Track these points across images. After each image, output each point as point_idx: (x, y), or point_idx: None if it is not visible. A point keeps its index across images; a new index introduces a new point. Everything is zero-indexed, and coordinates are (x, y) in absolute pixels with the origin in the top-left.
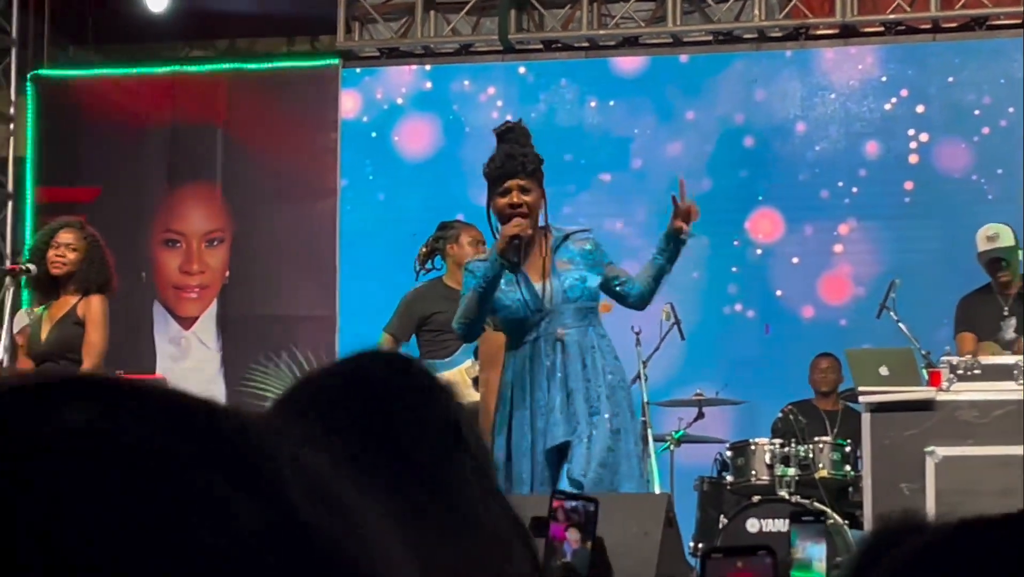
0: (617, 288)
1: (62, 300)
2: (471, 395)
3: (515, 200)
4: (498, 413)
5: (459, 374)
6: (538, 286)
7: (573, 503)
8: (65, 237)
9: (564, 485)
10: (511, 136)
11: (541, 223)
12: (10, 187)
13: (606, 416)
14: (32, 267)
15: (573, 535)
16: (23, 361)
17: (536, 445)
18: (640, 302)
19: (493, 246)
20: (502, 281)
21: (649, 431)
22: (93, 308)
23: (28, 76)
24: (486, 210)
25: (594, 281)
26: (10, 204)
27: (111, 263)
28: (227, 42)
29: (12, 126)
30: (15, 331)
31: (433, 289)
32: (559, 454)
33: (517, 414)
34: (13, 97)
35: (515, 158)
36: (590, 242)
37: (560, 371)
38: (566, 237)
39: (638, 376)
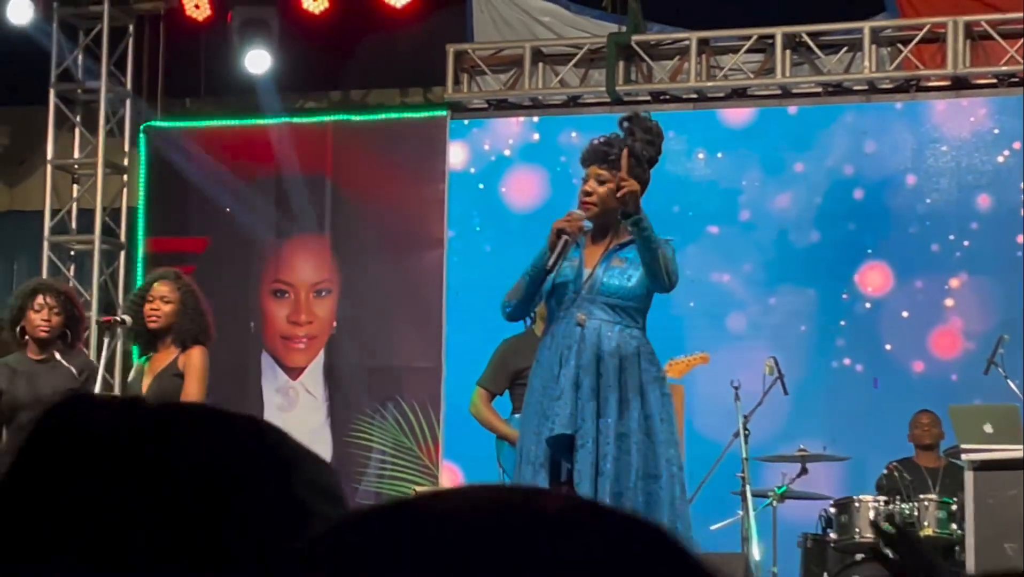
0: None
1: (162, 353)
2: None
3: (587, 188)
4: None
5: None
6: (586, 272)
7: None
8: (160, 290)
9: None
10: (626, 126)
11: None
12: (122, 237)
13: (610, 421)
14: (127, 318)
15: None
16: None
17: (541, 429)
18: (654, 283)
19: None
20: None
21: (748, 487)
22: (193, 360)
23: (141, 127)
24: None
25: (639, 283)
26: (123, 254)
27: (207, 312)
28: (339, 93)
29: (125, 177)
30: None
31: (527, 342)
32: (566, 444)
33: (530, 391)
34: (127, 148)
35: (601, 145)
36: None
37: (574, 357)
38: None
39: (738, 432)
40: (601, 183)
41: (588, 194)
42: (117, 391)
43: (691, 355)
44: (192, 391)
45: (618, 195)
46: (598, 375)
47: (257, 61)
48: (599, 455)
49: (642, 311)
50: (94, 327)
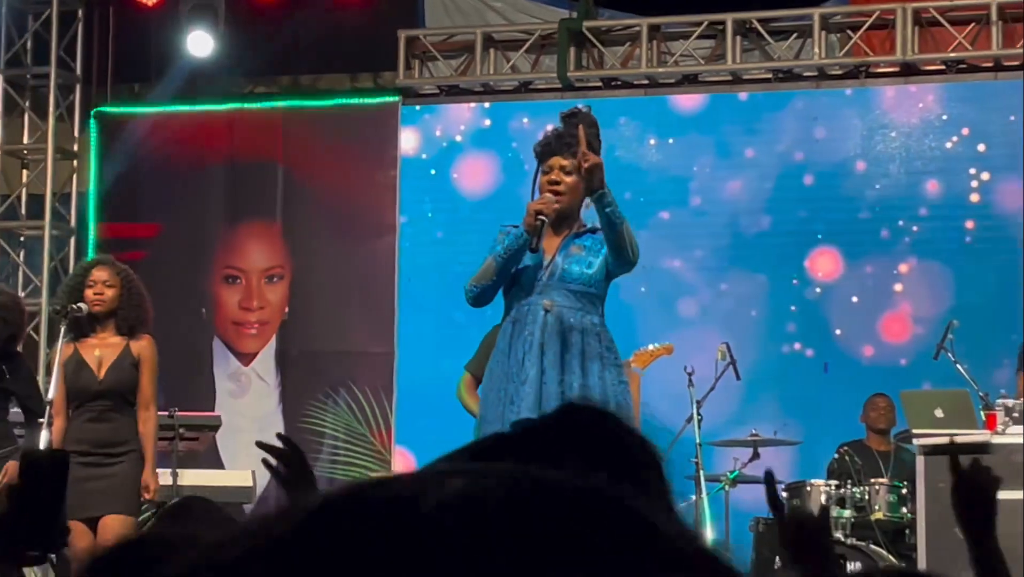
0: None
1: (102, 338)
2: None
3: (555, 177)
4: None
5: None
6: (546, 259)
7: None
8: (100, 275)
9: None
10: (573, 120)
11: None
12: (73, 223)
13: (574, 380)
14: (84, 306)
15: None
16: (59, 397)
17: (506, 414)
18: (619, 258)
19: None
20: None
21: (701, 472)
22: (147, 352)
23: (92, 113)
24: (532, 190)
25: (599, 270)
26: (72, 240)
27: (146, 298)
28: (289, 79)
29: (76, 162)
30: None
31: None
32: None
33: (490, 377)
34: (77, 134)
35: (562, 138)
36: None
37: (538, 343)
38: (595, 231)
39: (691, 417)
40: (567, 173)
41: (556, 183)
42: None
43: (656, 345)
44: (148, 385)
45: (584, 167)
46: (562, 361)
47: (199, 43)
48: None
49: (601, 298)
50: (45, 316)
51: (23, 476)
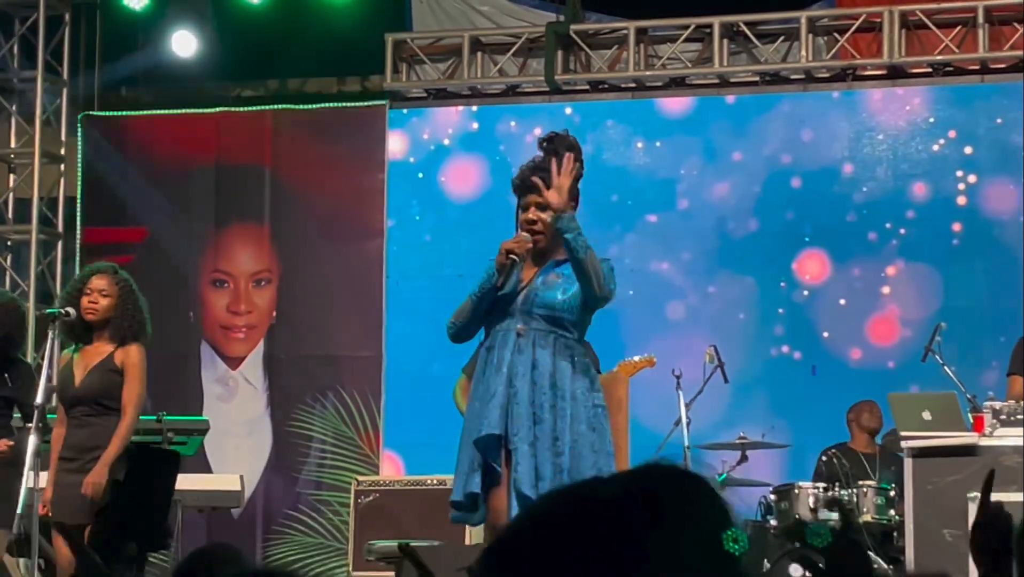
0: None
1: (96, 346)
2: None
3: (531, 216)
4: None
5: None
6: (523, 287)
7: None
8: (98, 283)
9: (514, 497)
10: (549, 146)
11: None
12: (60, 227)
13: (545, 426)
14: (72, 311)
15: None
16: (59, 404)
17: (477, 431)
18: (585, 290)
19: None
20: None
21: None
22: (132, 358)
23: (79, 117)
24: (516, 220)
25: (574, 296)
26: (60, 244)
27: (144, 308)
28: (277, 82)
29: (63, 167)
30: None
31: None
32: (495, 444)
33: (471, 407)
34: (64, 138)
35: (537, 171)
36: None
37: (506, 366)
38: None
39: (679, 420)
40: (543, 210)
41: (532, 223)
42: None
43: (640, 357)
44: (133, 391)
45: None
46: (532, 382)
47: (184, 43)
48: (538, 461)
49: (577, 324)
50: (33, 320)
51: (131, 470)
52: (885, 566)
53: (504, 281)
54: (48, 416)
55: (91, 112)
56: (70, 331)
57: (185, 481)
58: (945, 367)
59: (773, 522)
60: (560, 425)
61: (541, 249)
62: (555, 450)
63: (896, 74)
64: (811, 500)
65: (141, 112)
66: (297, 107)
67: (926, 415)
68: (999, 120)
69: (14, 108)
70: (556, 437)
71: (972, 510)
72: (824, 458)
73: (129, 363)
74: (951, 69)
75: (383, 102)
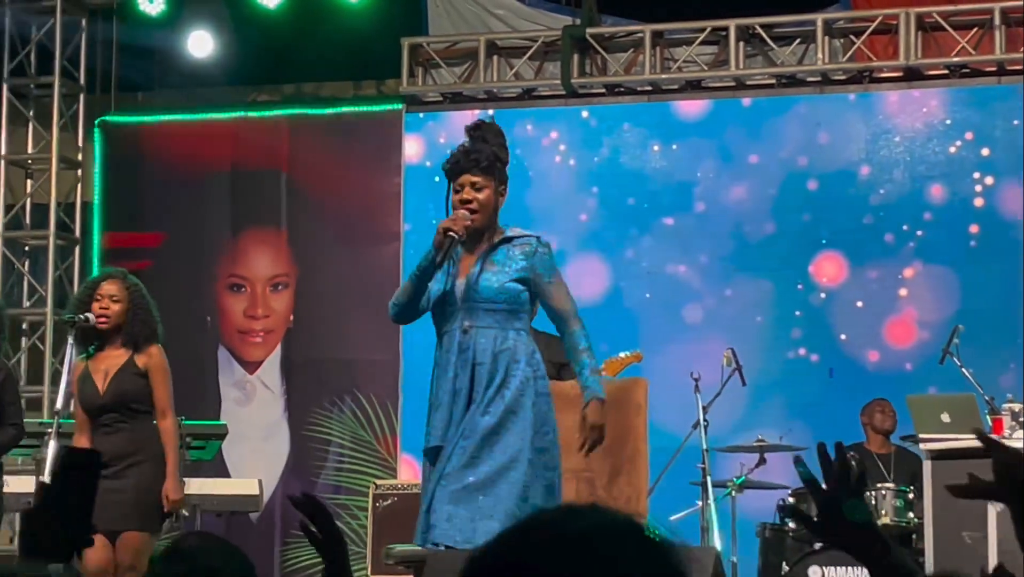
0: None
1: (109, 352)
2: None
3: (466, 196)
4: None
5: None
6: (460, 281)
7: None
8: (108, 289)
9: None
10: (475, 133)
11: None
12: (77, 232)
13: (477, 419)
14: (91, 316)
15: None
16: (78, 413)
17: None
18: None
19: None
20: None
21: (708, 478)
22: (156, 361)
23: (96, 122)
24: (445, 207)
25: (513, 285)
26: (77, 249)
27: (155, 311)
28: (293, 87)
29: (80, 172)
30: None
31: None
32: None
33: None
34: (81, 143)
35: (469, 154)
36: (531, 246)
37: (452, 368)
38: (509, 240)
39: (697, 423)
40: (478, 190)
41: (468, 201)
42: (63, 388)
43: (626, 353)
44: (162, 392)
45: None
46: (472, 380)
47: (200, 44)
48: (473, 455)
49: (518, 313)
50: (50, 325)
51: (56, 474)
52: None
53: (443, 259)
54: (62, 420)
55: (108, 117)
56: (83, 338)
57: (204, 485)
58: (963, 369)
59: (791, 525)
60: (501, 419)
61: (479, 228)
62: (491, 443)
63: (912, 76)
64: None
65: (158, 117)
66: (313, 111)
67: (945, 417)
68: (1016, 122)
69: (31, 114)
70: (495, 432)
71: (991, 513)
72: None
73: (154, 365)
74: (968, 71)
75: (399, 106)
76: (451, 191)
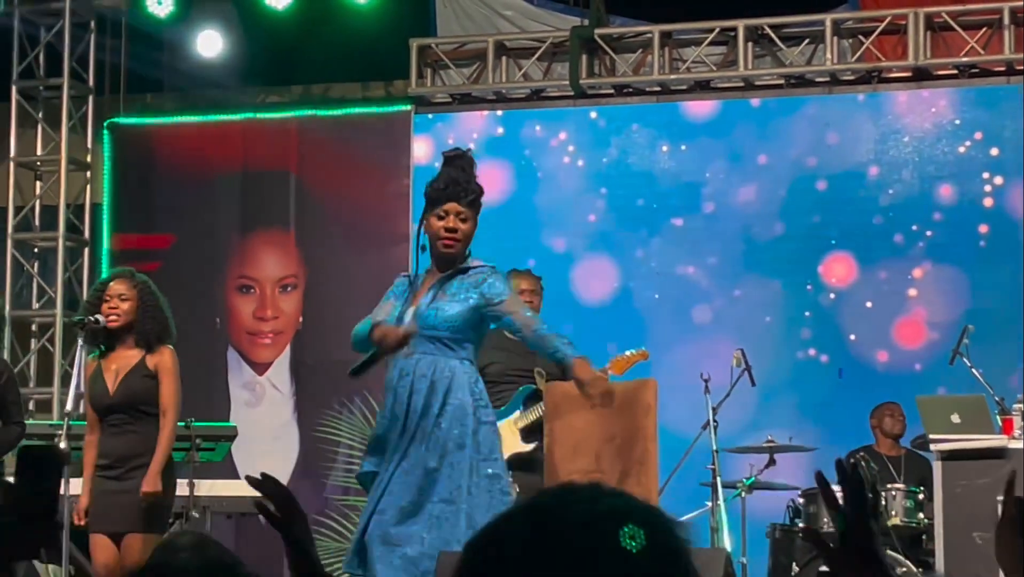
0: (508, 327)
1: (121, 352)
2: (519, 447)
3: (451, 224)
4: None
5: (507, 427)
6: (411, 309)
7: None
8: (117, 288)
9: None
10: (459, 162)
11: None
12: (86, 234)
13: (410, 451)
14: (101, 318)
15: None
16: (89, 412)
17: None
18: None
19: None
20: (395, 295)
21: (718, 479)
22: (166, 362)
23: (105, 124)
24: (417, 229)
25: (458, 315)
26: (86, 251)
27: (166, 309)
28: (301, 88)
29: (89, 174)
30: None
31: (488, 339)
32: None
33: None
34: (90, 145)
35: (459, 184)
36: (482, 275)
37: (392, 395)
38: (464, 271)
39: (708, 423)
40: (463, 220)
41: (453, 231)
42: (73, 388)
43: (632, 352)
44: (171, 393)
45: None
46: (408, 409)
47: (208, 45)
48: (409, 483)
49: (462, 341)
50: (59, 327)
51: (20, 470)
52: (915, 569)
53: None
54: (72, 422)
55: (117, 119)
56: (93, 338)
57: (213, 487)
58: (973, 369)
59: (801, 525)
60: (438, 449)
61: (451, 256)
62: (427, 470)
63: (921, 76)
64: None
65: (167, 119)
66: (322, 113)
67: (955, 418)
68: None
69: (40, 115)
70: (424, 465)
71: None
72: (851, 461)
73: (163, 367)
74: (976, 71)
75: (408, 107)
76: (428, 214)
